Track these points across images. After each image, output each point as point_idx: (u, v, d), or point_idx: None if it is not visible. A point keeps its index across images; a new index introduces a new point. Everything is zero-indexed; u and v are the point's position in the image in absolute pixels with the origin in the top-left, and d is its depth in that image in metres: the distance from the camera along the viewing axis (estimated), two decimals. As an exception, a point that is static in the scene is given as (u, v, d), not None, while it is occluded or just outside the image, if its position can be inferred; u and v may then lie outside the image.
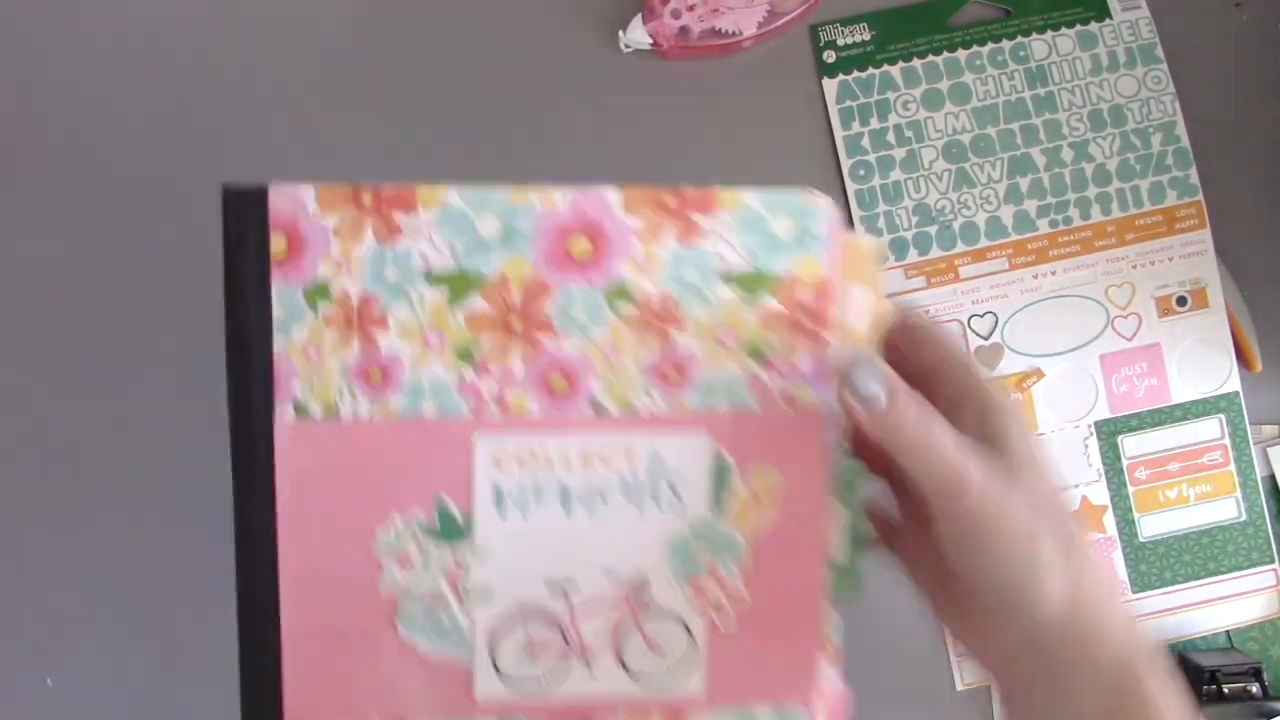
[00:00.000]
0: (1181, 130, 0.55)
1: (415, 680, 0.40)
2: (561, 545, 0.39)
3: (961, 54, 0.55)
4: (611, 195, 0.38)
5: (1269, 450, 0.57)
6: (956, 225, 0.55)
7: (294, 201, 0.37)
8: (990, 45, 0.55)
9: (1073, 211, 0.55)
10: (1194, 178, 0.55)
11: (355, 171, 0.47)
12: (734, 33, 0.54)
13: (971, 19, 0.55)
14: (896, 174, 0.55)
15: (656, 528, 0.39)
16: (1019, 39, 0.55)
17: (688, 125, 0.55)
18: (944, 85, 0.55)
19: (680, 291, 0.39)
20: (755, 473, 0.39)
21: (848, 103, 0.54)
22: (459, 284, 0.38)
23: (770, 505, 0.40)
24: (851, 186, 0.55)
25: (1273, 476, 0.57)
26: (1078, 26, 0.55)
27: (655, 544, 0.40)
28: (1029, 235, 0.55)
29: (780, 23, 0.55)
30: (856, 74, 0.54)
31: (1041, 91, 0.55)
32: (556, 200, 0.38)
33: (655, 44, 0.54)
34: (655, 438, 0.39)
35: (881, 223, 0.55)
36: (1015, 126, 0.55)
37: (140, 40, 0.55)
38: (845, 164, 0.54)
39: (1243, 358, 0.55)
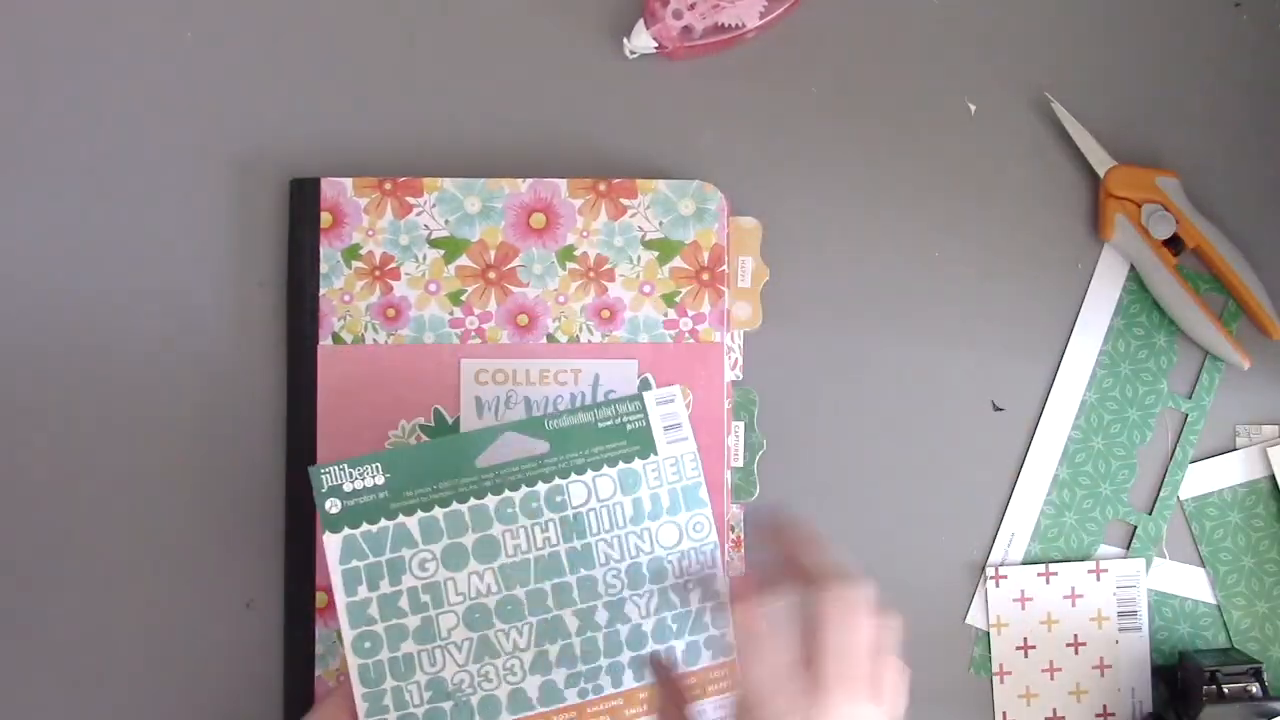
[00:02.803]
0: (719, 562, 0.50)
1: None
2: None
3: (491, 501, 0.48)
4: (560, 183, 0.53)
5: (1269, 450, 0.57)
6: (475, 700, 0.48)
7: (337, 188, 0.54)
8: (525, 489, 0.49)
9: (604, 679, 0.49)
10: (729, 636, 0.49)
11: (374, 165, 0.56)
12: (737, 26, 0.54)
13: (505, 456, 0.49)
14: (409, 645, 0.48)
15: (596, 432, 0.53)
16: (556, 480, 0.49)
17: (699, 124, 0.57)
18: (469, 539, 0.48)
19: (612, 254, 0.53)
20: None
21: (354, 563, 0.47)
22: (452, 247, 0.53)
23: (681, 416, 0.53)
24: (354, 661, 0.47)
25: (1272, 476, 0.57)
26: (620, 465, 0.49)
27: (595, 444, 0.53)
28: (556, 707, 0.49)
29: (781, 9, 0.55)
30: (366, 527, 0.47)
31: (578, 544, 0.49)
32: (520, 187, 0.53)
33: (660, 46, 0.55)
34: (595, 362, 0.53)
35: (389, 699, 0.47)
36: (547, 586, 0.49)
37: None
38: (348, 636, 0.47)
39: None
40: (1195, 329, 0.57)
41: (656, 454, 0.49)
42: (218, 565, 0.56)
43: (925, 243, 0.57)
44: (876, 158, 0.57)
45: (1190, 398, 0.58)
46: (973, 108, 0.58)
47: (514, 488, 0.48)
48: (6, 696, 0.55)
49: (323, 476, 0.47)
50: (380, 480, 0.47)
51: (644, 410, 0.49)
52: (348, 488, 0.47)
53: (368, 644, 0.47)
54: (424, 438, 0.54)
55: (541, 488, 0.48)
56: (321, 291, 0.54)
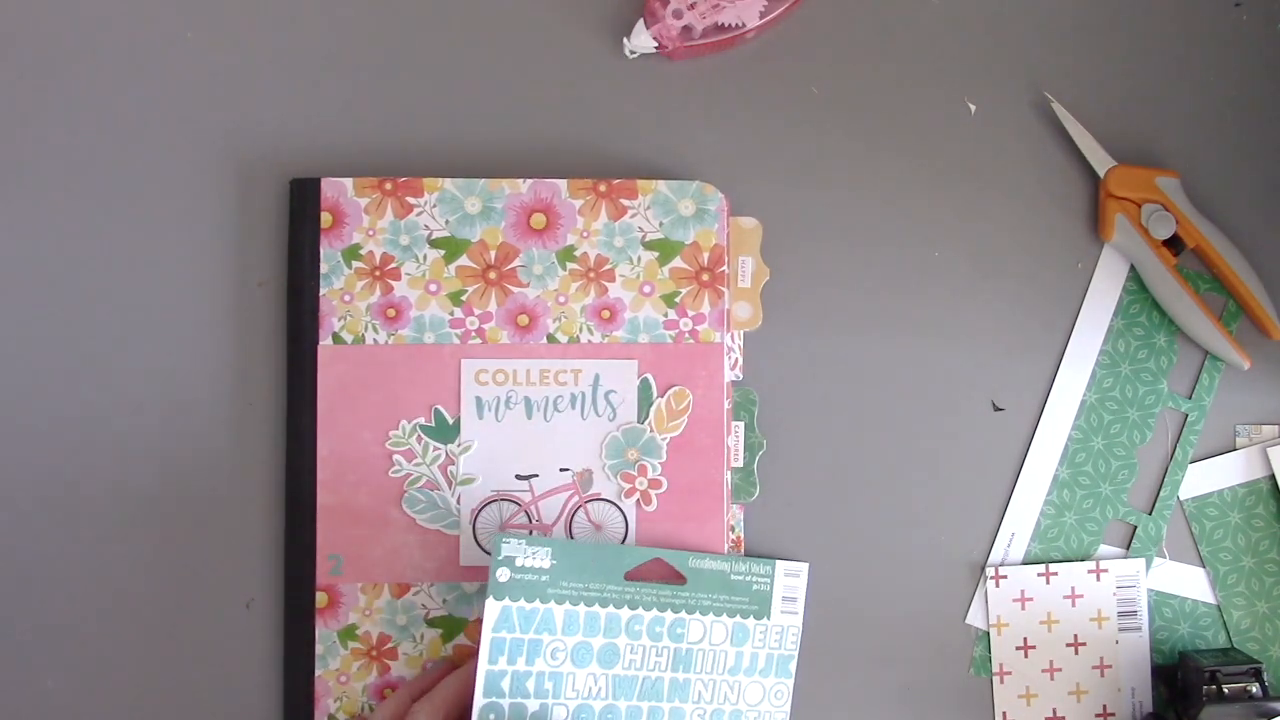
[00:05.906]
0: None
1: (415, 550, 0.53)
2: (525, 443, 0.53)
3: (626, 613, 0.53)
4: (560, 183, 0.53)
5: (1269, 450, 0.58)
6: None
7: (338, 188, 0.54)
8: (656, 613, 0.53)
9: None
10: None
11: (374, 165, 0.57)
12: (737, 26, 0.55)
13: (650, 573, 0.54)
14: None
15: (597, 431, 0.53)
16: (683, 614, 0.53)
17: (699, 124, 0.57)
18: (597, 642, 0.52)
19: (612, 254, 0.54)
20: (670, 391, 0.53)
21: (503, 633, 0.51)
22: (452, 247, 0.54)
23: (682, 416, 0.53)
24: None
25: (1272, 476, 0.58)
26: (737, 618, 0.54)
27: (596, 444, 0.53)
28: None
29: (781, 9, 0.56)
30: (524, 604, 0.51)
31: (680, 676, 0.53)
32: (521, 187, 0.53)
33: (660, 46, 0.56)
34: (595, 363, 0.54)
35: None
36: (645, 706, 0.53)
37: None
38: (478, 701, 0.51)
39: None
40: (1195, 329, 0.57)
41: (769, 619, 0.54)
42: (218, 565, 0.56)
43: (925, 243, 0.58)
44: (876, 158, 0.58)
45: (1190, 398, 0.59)
46: (973, 108, 0.58)
47: (648, 608, 0.53)
48: (7, 696, 0.55)
49: (504, 545, 0.51)
50: (546, 564, 0.52)
51: (771, 576, 0.54)
52: (520, 562, 0.51)
53: (491, 715, 0.51)
54: (424, 438, 0.54)
55: (669, 616, 0.53)
56: (321, 291, 0.54)
